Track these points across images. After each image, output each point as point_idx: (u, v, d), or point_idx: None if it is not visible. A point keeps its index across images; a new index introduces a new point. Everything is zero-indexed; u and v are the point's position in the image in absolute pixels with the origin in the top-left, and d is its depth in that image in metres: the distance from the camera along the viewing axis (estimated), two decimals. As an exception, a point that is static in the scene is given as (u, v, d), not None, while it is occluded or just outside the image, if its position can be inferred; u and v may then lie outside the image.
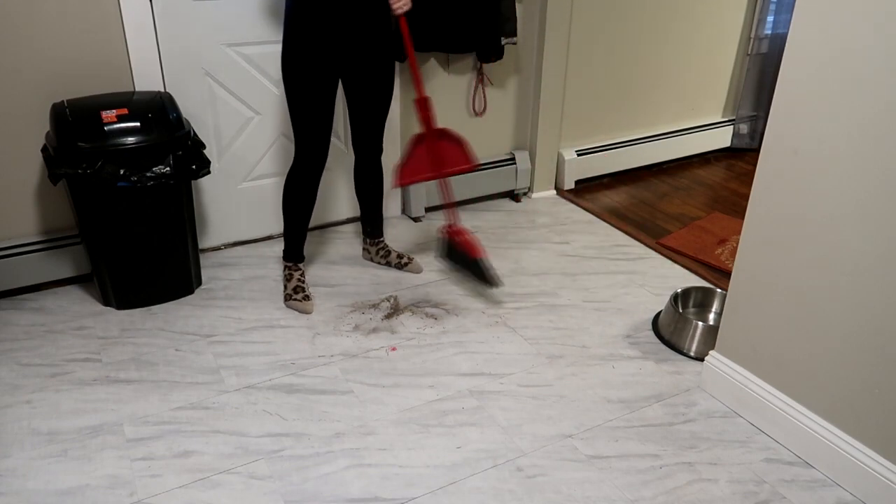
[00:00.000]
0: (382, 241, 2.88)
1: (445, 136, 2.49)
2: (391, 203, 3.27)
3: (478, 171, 3.35)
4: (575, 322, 2.55)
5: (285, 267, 2.68)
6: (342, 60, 2.37)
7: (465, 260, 2.61)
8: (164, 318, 2.51)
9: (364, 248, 2.92)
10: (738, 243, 2.05)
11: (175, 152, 2.36)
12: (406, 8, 2.31)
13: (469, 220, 3.27)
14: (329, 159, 3.06)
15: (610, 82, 3.61)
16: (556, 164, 3.55)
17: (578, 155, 3.62)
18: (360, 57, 2.39)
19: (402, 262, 2.84)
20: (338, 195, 3.17)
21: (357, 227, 3.17)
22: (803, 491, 1.87)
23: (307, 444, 1.98)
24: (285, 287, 2.64)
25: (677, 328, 2.44)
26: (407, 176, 2.50)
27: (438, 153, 2.48)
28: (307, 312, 2.57)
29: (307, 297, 2.60)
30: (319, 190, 3.09)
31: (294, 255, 2.66)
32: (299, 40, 2.29)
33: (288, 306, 2.60)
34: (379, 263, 2.87)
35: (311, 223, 3.12)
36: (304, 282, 2.65)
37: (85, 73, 2.46)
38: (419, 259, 2.88)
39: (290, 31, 2.29)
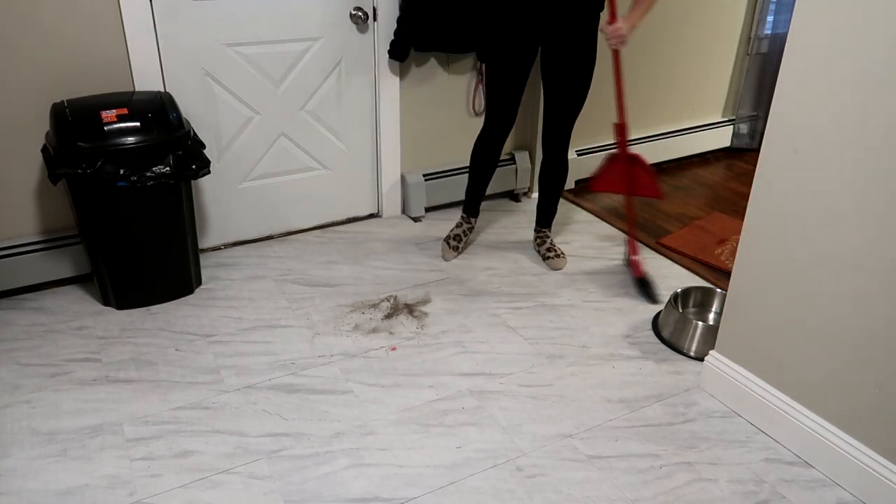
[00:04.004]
0: (545, 231, 3.01)
1: (637, 162, 2.73)
2: (391, 203, 3.27)
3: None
4: (575, 322, 2.55)
5: (461, 216, 3.01)
6: (542, 29, 2.51)
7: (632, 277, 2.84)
8: (164, 318, 2.51)
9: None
10: (738, 243, 2.05)
11: (175, 152, 2.36)
12: (619, 47, 2.49)
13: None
14: (331, 159, 3.07)
15: (609, 82, 3.60)
16: (556, 164, 3.55)
17: (578, 155, 3.62)
18: (559, 30, 2.51)
19: (546, 255, 2.94)
20: (338, 195, 3.17)
21: (357, 226, 3.19)
22: (803, 491, 1.87)
23: (307, 443, 1.98)
24: (450, 230, 3.01)
25: (677, 328, 2.44)
26: (602, 185, 2.81)
27: (631, 175, 2.73)
28: (445, 259, 2.92)
29: (456, 248, 2.94)
30: (321, 191, 3.11)
31: (469, 209, 2.98)
32: (502, 10, 2.50)
33: (441, 246, 2.98)
34: (536, 250, 3.03)
35: (311, 224, 3.15)
36: (467, 234, 2.98)
37: (85, 73, 2.46)
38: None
39: (493, 7, 2.53)
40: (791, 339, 1.95)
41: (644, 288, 2.74)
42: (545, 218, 2.99)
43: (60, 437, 1.97)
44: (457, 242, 2.94)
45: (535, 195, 3.54)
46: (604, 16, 2.54)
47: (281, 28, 2.75)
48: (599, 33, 2.56)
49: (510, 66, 2.57)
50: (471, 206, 2.96)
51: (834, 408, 1.88)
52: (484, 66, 2.68)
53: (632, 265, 2.82)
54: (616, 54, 2.54)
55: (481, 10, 2.68)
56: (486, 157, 2.81)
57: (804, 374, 1.93)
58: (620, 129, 2.67)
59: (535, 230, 3.03)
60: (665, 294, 2.70)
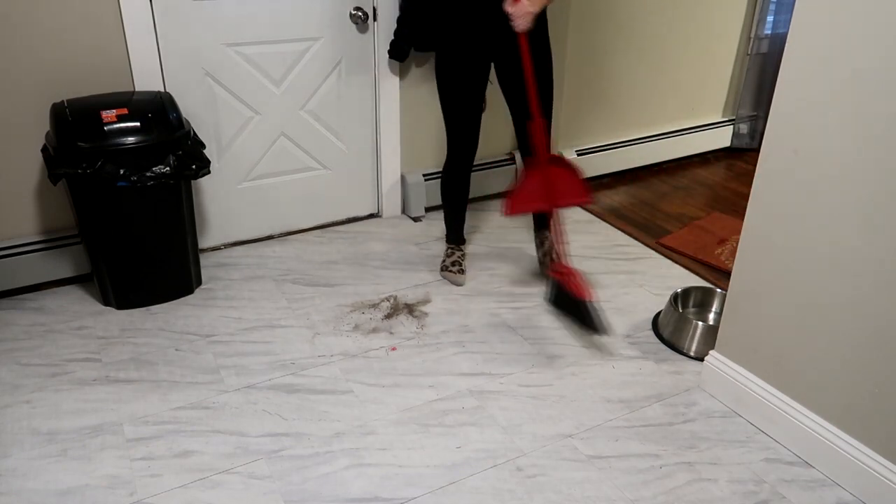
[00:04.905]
0: (544, 233, 2.85)
1: (559, 164, 2.40)
2: (391, 203, 3.27)
3: (478, 170, 3.35)
4: (575, 322, 2.55)
5: (448, 247, 2.87)
6: (490, 46, 2.41)
7: (571, 301, 2.38)
8: (163, 318, 2.51)
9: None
10: (738, 243, 2.05)
11: (175, 152, 2.36)
12: (525, 26, 2.25)
13: (469, 220, 3.26)
14: (331, 159, 3.07)
15: (610, 82, 3.61)
16: (556, 164, 3.55)
17: (578, 155, 3.62)
18: (509, 40, 2.35)
19: (543, 259, 2.82)
20: (338, 195, 3.17)
21: (357, 226, 3.19)
22: (803, 491, 1.87)
23: (307, 443, 1.98)
24: (444, 260, 2.84)
25: (677, 328, 2.44)
26: (518, 205, 2.42)
27: (552, 183, 2.37)
28: (458, 284, 2.75)
29: (462, 272, 2.78)
30: (321, 191, 3.11)
31: (455, 239, 2.86)
32: (448, 31, 2.41)
33: (442, 276, 2.80)
34: (536, 254, 2.92)
35: (311, 224, 3.15)
36: (462, 259, 2.83)
37: (85, 73, 2.46)
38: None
39: (440, 23, 2.43)
40: (791, 339, 1.95)
41: (587, 314, 2.33)
42: (544, 219, 2.86)
43: (60, 437, 1.97)
44: (459, 267, 2.80)
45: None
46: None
47: (281, 28, 2.75)
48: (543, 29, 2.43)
49: (464, 88, 2.47)
50: (456, 235, 2.85)
51: (834, 408, 1.88)
52: (438, 91, 2.52)
53: (572, 287, 2.35)
54: (523, 39, 2.26)
55: (433, 31, 2.55)
56: (458, 185, 2.71)
57: (804, 375, 1.93)
58: (537, 126, 2.35)
59: (535, 232, 2.93)
60: (667, 294, 2.69)
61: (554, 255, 2.78)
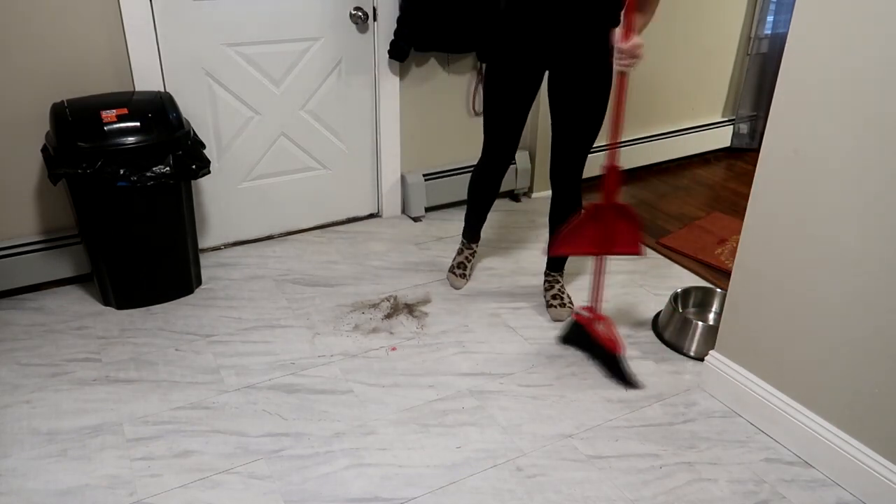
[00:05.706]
0: (555, 276, 2.66)
1: (621, 212, 2.20)
2: (390, 203, 3.27)
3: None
4: (575, 322, 2.55)
5: (461, 242, 2.84)
6: (550, 51, 2.22)
7: (599, 352, 2.32)
8: (163, 317, 2.51)
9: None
10: (738, 243, 2.05)
11: (175, 152, 2.36)
12: (629, 68, 2.03)
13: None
14: (331, 159, 3.07)
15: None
16: (556, 164, 3.55)
17: (578, 155, 3.61)
18: (569, 51, 2.21)
19: (550, 303, 2.60)
20: (338, 195, 3.17)
21: (357, 226, 3.19)
22: (803, 491, 1.87)
23: (307, 443, 1.98)
24: (454, 258, 2.85)
25: (677, 328, 2.44)
26: (564, 246, 2.31)
27: (607, 229, 2.22)
28: (455, 287, 2.75)
29: (464, 276, 2.78)
30: (321, 191, 3.11)
31: (469, 236, 2.80)
32: (505, 32, 2.24)
33: (447, 277, 2.81)
34: (542, 295, 2.70)
35: (311, 224, 3.15)
36: (470, 261, 2.82)
37: (85, 73, 2.46)
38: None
39: (498, 21, 2.26)
40: (791, 339, 1.95)
41: (618, 368, 2.26)
42: (557, 261, 2.65)
43: (60, 437, 1.97)
44: (463, 270, 2.76)
45: (527, 195, 3.54)
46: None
47: (281, 28, 2.75)
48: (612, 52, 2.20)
49: (512, 93, 2.29)
50: (472, 232, 2.76)
51: (834, 408, 1.88)
52: (480, 87, 2.39)
53: (604, 339, 2.29)
54: (623, 79, 2.04)
55: (483, 22, 2.46)
56: (485, 189, 2.59)
57: (804, 374, 1.94)
58: (612, 172, 2.14)
59: (546, 273, 2.69)
60: (667, 294, 2.69)
61: (566, 298, 2.62)
